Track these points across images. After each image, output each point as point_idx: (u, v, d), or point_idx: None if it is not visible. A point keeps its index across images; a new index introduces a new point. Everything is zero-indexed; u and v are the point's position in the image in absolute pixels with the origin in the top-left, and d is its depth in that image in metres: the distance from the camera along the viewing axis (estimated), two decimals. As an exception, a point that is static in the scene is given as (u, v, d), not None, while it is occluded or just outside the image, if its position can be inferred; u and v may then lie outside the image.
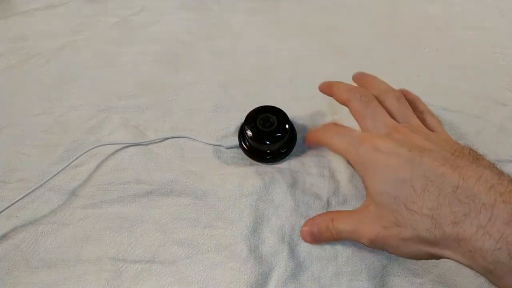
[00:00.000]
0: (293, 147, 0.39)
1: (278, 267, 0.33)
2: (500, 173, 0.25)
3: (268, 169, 0.39)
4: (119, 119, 0.42)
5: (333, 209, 0.36)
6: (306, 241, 0.34)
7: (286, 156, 0.39)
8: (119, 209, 0.37)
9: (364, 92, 0.34)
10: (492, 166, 0.26)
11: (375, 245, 0.29)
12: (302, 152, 0.40)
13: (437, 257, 0.27)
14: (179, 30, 0.51)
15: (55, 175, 0.37)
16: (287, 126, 0.38)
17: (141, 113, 0.43)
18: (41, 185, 0.36)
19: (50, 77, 0.46)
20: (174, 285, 0.33)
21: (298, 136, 0.40)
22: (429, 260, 0.33)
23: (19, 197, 0.35)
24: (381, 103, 0.33)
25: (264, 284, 0.32)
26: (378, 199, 0.28)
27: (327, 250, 0.34)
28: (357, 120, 0.34)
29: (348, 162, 0.34)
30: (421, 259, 0.28)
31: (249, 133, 0.37)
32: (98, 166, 0.39)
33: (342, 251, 0.34)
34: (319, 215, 0.35)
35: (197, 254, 0.34)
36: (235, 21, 0.52)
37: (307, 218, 0.35)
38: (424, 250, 0.27)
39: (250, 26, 0.52)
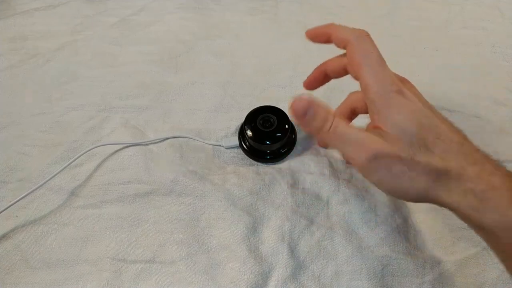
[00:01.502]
0: (293, 147, 0.39)
1: (278, 267, 0.33)
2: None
3: (268, 169, 0.39)
4: (119, 119, 0.42)
5: (333, 210, 0.36)
6: (292, 112, 0.28)
7: (286, 156, 0.39)
8: (119, 209, 0.37)
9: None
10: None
11: (372, 165, 0.28)
12: (302, 152, 0.40)
13: (432, 199, 0.28)
14: (179, 30, 0.51)
15: (55, 175, 0.37)
16: (287, 126, 0.38)
17: (141, 113, 0.43)
18: (41, 185, 0.36)
19: (50, 77, 0.46)
20: (174, 285, 0.33)
21: (298, 136, 0.40)
22: (428, 260, 0.33)
23: (19, 197, 0.35)
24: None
25: (264, 284, 0.32)
26: (395, 129, 0.27)
27: (327, 249, 0.34)
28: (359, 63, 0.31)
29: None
30: (412, 197, 0.29)
31: (249, 133, 0.37)
32: (98, 166, 0.39)
33: (342, 251, 0.34)
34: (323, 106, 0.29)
35: (197, 254, 0.34)
36: (235, 21, 0.52)
37: (307, 219, 0.35)
38: (423, 183, 0.27)
39: (250, 26, 0.52)
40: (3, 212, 0.35)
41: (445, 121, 0.29)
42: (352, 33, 0.31)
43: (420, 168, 0.27)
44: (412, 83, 0.31)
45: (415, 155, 0.27)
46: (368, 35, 0.32)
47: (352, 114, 0.35)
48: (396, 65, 0.47)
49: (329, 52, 0.49)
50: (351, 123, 0.32)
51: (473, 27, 0.51)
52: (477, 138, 0.41)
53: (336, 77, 0.34)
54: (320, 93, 0.44)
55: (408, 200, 0.30)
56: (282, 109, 0.39)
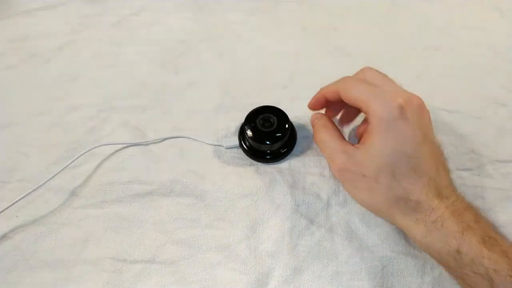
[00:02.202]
0: (293, 147, 0.39)
1: (278, 267, 0.33)
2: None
3: (268, 169, 0.39)
4: (119, 119, 0.42)
5: (333, 210, 0.36)
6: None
7: (286, 156, 0.39)
8: (119, 209, 0.37)
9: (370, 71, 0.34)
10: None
11: (340, 176, 0.32)
12: (302, 152, 0.40)
13: (389, 218, 0.31)
14: (179, 30, 0.51)
15: (55, 175, 0.37)
16: (287, 126, 0.38)
17: (141, 113, 0.43)
18: (41, 185, 0.36)
19: (50, 77, 0.46)
20: (174, 285, 0.33)
21: (298, 136, 0.40)
22: (428, 261, 0.33)
23: (19, 197, 0.35)
24: None
25: (264, 284, 0.33)
26: (372, 149, 0.30)
27: (327, 249, 0.34)
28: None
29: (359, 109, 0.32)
30: (374, 211, 0.32)
31: (249, 133, 0.37)
32: (98, 166, 0.39)
33: (342, 251, 0.34)
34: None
35: (197, 254, 0.34)
36: (235, 21, 0.52)
37: (307, 220, 0.35)
38: (382, 203, 0.30)
39: (250, 26, 0.52)
40: (3, 212, 0.35)
41: (433, 153, 0.30)
42: (338, 84, 0.33)
43: (381, 190, 0.29)
44: (422, 102, 0.31)
45: (379, 177, 0.29)
46: (349, 77, 0.34)
47: (327, 102, 0.36)
48: (396, 65, 0.47)
49: (329, 53, 0.49)
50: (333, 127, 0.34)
51: (473, 27, 0.51)
52: (477, 138, 0.41)
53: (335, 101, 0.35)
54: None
55: (372, 212, 0.33)
56: (282, 109, 0.39)
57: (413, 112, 0.29)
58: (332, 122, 0.35)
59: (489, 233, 0.28)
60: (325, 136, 0.33)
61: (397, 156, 0.29)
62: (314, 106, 0.36)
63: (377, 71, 0.33)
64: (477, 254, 0.26)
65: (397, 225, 0.31)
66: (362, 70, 0.34)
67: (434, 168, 0.30)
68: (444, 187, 0.30)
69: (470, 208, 0.30)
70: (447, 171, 0.31)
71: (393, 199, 0.29)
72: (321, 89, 0.35)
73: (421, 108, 0.30)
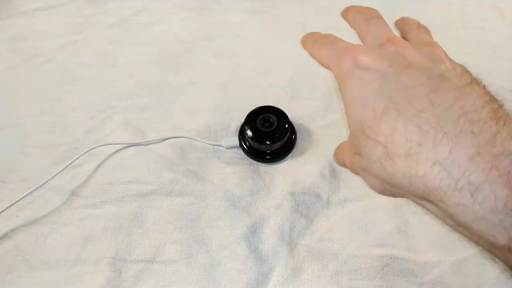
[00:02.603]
0: (293, 147, 0.39)
1: (278, 267, 0.33)
2: (492, 100, 0.21)
3: (268, 169, 0.39)
4: (119, 119, 0.42)
5: (333, 210, 0.36)
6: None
7: (286, 156, 0.39)
8: (119, 209, 0.37)
9: (369, 11, 0.28)
10: (486, 93, 0.21)
11: (355, 173, 0.26)
12: (302, 152, 0.40)
13: (396, 195, 0.23)
14: (179, 30, 0.51)
15: (55, 175, 0.37)
16: (287, 126, 0.38)
17: (141, 113, 0.43)
18: (41, 185, 0.36)
19: (50, 77, 0.46)
20: (174, 285, 0.33)
21: (298, 136, 0.40)
22: (428, 260, 0.33)
23: (20, 197, 0.35)
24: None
25: (264, 284, 0.33)
26: (348, 122, 0.24)
27: (327, 249, 0.34)
28: (361, 41, 0.28)
29: None
30: (385, 194, 0.24)
31: (249, 133, 0.37)
32: (99, 166, 0.39)
33: (342, 251, 0.34)
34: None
35: (197, 254, 0.34)
36: (235, 21, 0.52)
37: (307, 219, 0.35)
38: (380, 185, 0.23)
39: (250, 26, 0.52)
40: (3, 212, 0.35)
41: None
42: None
43: (367, 172, 0.24)
44: (406, 41, 0.25)
45: (360, 159, 0.24)
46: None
47: None
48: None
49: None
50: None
51: (473, 27, 0.51)
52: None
53: None
54: (319, 93, 0.45)
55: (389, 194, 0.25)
56: (282, 109, 0.39)
57: (362, 60, 0.24)
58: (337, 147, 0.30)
59: None
60: (340, 160, 0.28)
61: (366, 107, 0.22)
62: None
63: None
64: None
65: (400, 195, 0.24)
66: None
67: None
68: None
69: None
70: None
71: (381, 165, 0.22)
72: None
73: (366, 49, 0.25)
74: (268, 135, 0.37)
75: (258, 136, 0.37)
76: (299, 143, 0.40)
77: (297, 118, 0.42)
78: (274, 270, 0.33)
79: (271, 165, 0.39)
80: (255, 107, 0.39)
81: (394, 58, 0.23)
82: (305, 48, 0.29)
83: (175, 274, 0.33)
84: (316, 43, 0.28)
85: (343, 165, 0.28)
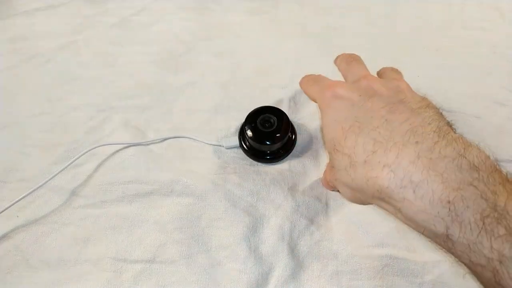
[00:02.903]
0: (293, 148, 0.39)
1: (278, 267, 0.33)
2: (440, 119, 0.25)
3: (268, 169, 0.39)
4: (119, 119, 0.42)
5: (333, 210, 0.36)
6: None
7: (286, 156, 0.39)
8: (119, 209, 0.37)
9: (350, 56, 0.35)
10: (436, 114, 0.26)
11: (333, 187, 0.31)
12: (302, 152, 0.40)
13: (363, 201, 0.27)
14: (179, 30, 0.51)
15: (55, 175, 0.37)
16: (287, 126, 0.38)
17: (141, 113, 0.43)
18: (42, 185, 0.36)
19: (50, 77, 0.46)
20: (174, 285, 0.33)
21: (298, 136, 0.40)
22: (428, 260, 0.33)
23: (20, 197, 0.35)
24: None
25: (264, 284, 0.33)
26: (325, 141, 0.29)
27: (327, 249, 0.34)
28: (344, 80, 0.34)
29: None
30: (355, 202, 0.28)
31: (249, 133, 0.37)
32: (99, 166, 0.39)
33: (342, 251, 0.34)
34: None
35: (197, 254, 0.34)
36: (235, 21, 0.52)
37: (307, 220, 0.35)
38: (350, 193, 0.27)
39: (250, 26, 0.52)
40: (3, 212, 0.35)
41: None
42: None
43: (340, 183, 0.28)
44: (377, 78, 0.30)
45: (334, 171, 0.29)
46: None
47: None
48: (396, 65, 0.47)
49: (329, 53, 0.49)
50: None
51: (473, 27, 0.51)
52: (477, 138, 0.41)
53: None
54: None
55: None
56: (282, 109, 0.39)
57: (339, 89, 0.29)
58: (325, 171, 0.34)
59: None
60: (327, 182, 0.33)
61: (337, 126, 0.27)
62: None
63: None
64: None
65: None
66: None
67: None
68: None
69: None
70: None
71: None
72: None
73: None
74: (268, 135, 0.37)
75: (258, 136, 0.37)
76: (299, 143, 0.40)
77: (297, 118, 0.42)
78: (274, 270, 0.33)
79: (271, 165, 0.39)
80: (255, 107, 0.39)
81: (364, 90, 0.28)
82: (301, 87, 0.35)
83: (175, 274, 0.33)
84: (308, 82, 0.34)
85: (327, 186, 0.33)
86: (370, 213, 0.36)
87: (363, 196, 0.26)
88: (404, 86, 0.29)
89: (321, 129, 0.30)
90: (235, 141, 0.40)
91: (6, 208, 0.35)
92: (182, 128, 0.42)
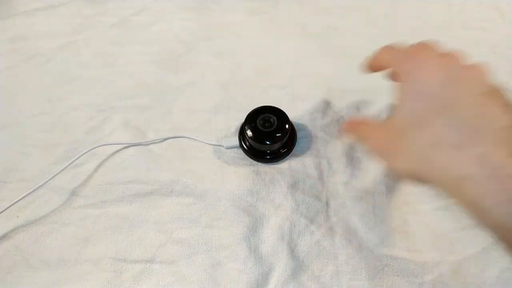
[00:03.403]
0: (293, 147, 0.39)
1: (278, 267, 0.33)
2: None
3: (268, 169, 0.39)
4: (119, 119, 0.42)
5: (333, 210, 0.36)
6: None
7: (286, 156, 0.39)
8: (119, 209, 0.37)
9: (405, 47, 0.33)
10: None
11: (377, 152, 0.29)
12: (302, 152, 0.40)
13: (418, 179, 0.27)
14: (179, 30, 0.51)
15: (56, 175, 0.37)
16: (287, 126, 0.38)
17: (141, 113, 0.43)
18: (42, 185, 0.36)
19: (50, 77, 0.46)
20: (174, 285, 0.33)
21: (298, 136, 0.40)
22: (428, 260, 0.33)
23: (20, 197, 0.35)
24: None
25: (264, 284, 0.33)
26: (399, 110, 0.28)
27: (327, 249, 0.34)
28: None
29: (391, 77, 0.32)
30: (407, 178, 0.28)
31: (249, 133, 0.37)
32: (99, 166, 0.39)
33: (342, 250, 0.34)
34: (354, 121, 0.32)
35: (197, 254, 0.34)
36: (235, 21, 0.52)
37: (307, 219, 0.35)
38: (410, 169, 0.26)
39: (250, 26, 0.52)
40: (3, 212, 0.35)
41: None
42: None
43: (406, 155, 0.27)
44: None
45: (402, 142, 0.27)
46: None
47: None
48: (396, 65, 0.47)
49: (329, 53, 0.49)
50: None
51: (473, 27, 0.51)
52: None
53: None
54: (319, 93, 0.45)
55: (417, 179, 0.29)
56: (282, 109, 0.39)
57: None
58: (361, 121, 0.32)
59: None
60: (364, 135, 0.31)
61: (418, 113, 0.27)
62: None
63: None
64: None
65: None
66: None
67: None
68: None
69: None
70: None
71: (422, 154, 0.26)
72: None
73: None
74: (268, 135, 0.37)
75: (258, 136, 0.37)
76: (299, 143, 0.40)
77: (297, 118, 0.42)
78: (274, 270, 0.33)
79: (271, 165, 0.39)
80: (255, 107, 0.39)
81: (453, 69, 0.27)
82: (377, 57, 0.33)
83: (175, 274, 0.33)
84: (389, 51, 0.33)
85: (357, 136, 0.31)
86: (370, 213, 0.36)
87: (427, 178, 0.26)
88: (489, 73, 0.29)
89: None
90: (235, 141, 0.40)
91: (6, 208, 0.35)
92: (182, 128, 0.42)
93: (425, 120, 0.26)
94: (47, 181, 0.37)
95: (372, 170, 0.39)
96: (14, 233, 0.35)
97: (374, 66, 0.33)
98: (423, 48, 0.30)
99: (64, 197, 0.37)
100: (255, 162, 0.39)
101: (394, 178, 0.32)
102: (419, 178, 0.27)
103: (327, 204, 0.37)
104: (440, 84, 0.26)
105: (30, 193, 0.36)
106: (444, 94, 0.26)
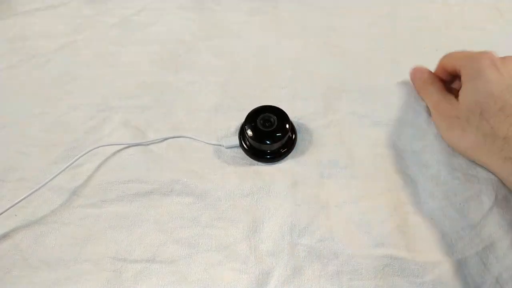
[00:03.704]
0: (293, 147, 0.39)
1: (278, 267, 0.33)
2: None
3: (268, 169, 0.39)
4: (119, 119, 0.42)
5: (333, 210, 0.36)
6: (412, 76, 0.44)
7: (287, 156, 0.39)
8: (119, 208, 0.37)
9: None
10: None
11: (437, 119, 0.39)
12: (302, 152, 0.40)
13: (477, 159, 0.37)
14: (179, 30, 0.51)
15: (57, 175, 0.37)
16: (287, 125, 0.38)
17: (141, 113, 0.43)
18: (43, 185, 0.36)
19: (50, 77, 0.46)
20: (174, 284, 0.33)
21: (298, 136, 0.40)
22: (429, 260, 0.33)
23: (21, 198, 0.35)
24: None
25: (264, 284, 0.32)
26: (462, 96, 0.36)
27: (327, 249, 0.34)
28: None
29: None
30: (462, 151, 0.38)
31: (250, 132, 0.37)
32: (99, 166, 0.39)
33: (343, 251, 0.34)
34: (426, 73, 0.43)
35: (197, 254, 0.34)
36: (235, 21, 0.52)
37: (308, 219, 0.35)
38: (470, 139, 0.35)
39: (250, 26, 0.52)
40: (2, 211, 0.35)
41: None
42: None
43: (471, 129, 0.34)
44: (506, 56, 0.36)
45: (469, 117, 0.34)
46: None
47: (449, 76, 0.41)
48: (396, 65, 0.47)
49: (329, 52, 0.49)
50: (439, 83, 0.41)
51: (473, 27, 0.51)
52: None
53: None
54: (319, 93, 0.45)
55: (462, 153, 0.38)
56: (283, 109, 0.39)
57: (499, 62, 0.34)
58: (435, 76, 0.42)
59: None
60: (432, 88, 0.40)
61: (485, 97, 0.33)
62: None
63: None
64: None
65: (485, 165, 0.36)
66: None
67: None
68: None
69: None
70: None
71: (482, 138, 0.34)
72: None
73: (506, 59, 0.35)
74: (268, 134, 0.37)
75: (259, 135, 0.37)
76: (299, 143, 0.40)
77: (297, 118, 0.42)
78: (275, 270, 0.33)
79: (271, 165, 0.39)
80: (255, 106, 0.39)
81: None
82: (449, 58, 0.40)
83: (175, 274, 0.33)
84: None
85: (417, 80, 0.44)
86: (370, 213, 0.36)
87: (481, 151, 0.35)
88: None
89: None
90: (235, 140, 0.40)
91: (7, 209, 0.35)
92: (182, 128, 0.42)
93: (487, 114, 0.33)
94: (48, 181, 0.36)
95: (373, 170, 0.39)
96: (13, 232, 0.35)
97: (447, 65, 0.40)
98: (485, 53, 0.36)
99: (64, 196, 0.37)
100: (255, 162, 0.39)
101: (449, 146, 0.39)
102: (470, 156, 0.37)
103: (327, 204, 0.37)
104: (500, 88, 0.33)
105: (32, 193, 0.36)
106: (503, 97, 0.33)
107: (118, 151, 0.40)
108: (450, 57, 0.39)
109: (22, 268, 0.33)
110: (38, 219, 0.36)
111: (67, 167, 0.37)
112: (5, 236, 0.35)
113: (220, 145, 0.40)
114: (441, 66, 0.41)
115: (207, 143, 0.40)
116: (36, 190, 0.36)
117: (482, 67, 0.34)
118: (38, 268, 0.34)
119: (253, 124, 0.38)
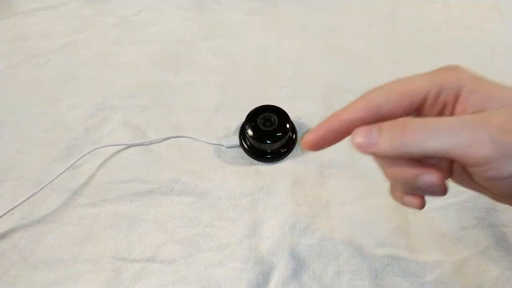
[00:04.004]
0: (293, 147, 0.39)
1: (278, 266, 0.33)
2: None
3: (268, 168, 0.39)
4: (119, 119, 0.42)
5: (333, 209, 0.36)
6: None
7: (287, 155, 0.39)
8: (119, 208, 0.36)
9: None
10: None
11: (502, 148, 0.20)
12: (303, 152, 0.40)
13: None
14: (179, 30, 0.51)
15: (59, 176, 0.36)
16: (287, 125, 0.38)
17: (141, 112, 0.43)
18: (45, 186, 0.36)
19: (50, 77, 0.46)
20: (174, 284, 0.33)
21: (299, 135, 0.40)
22: (429, 260, 0.33)
23: (23, 199, 0.35)
24: None
25: (265, 283, 0.32)
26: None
27: (328, 249, 0.34)
28: None
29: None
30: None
31: (250, 132, 0.37)
32: (99, 166, 0.39)
33: (343, 250, 0.34)
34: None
35: (198, 253, 0.34)
36: (235, 21, 0.52)
37: (308, 219, 0.35)
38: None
39: (250, 26, 0.52)
40: (1, 210, 0.35)
41: None
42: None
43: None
44: None
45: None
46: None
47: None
48: (396, 65, 0.47)
49: (329, 52, 0.49)
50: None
51: (473, 27, 0.51)
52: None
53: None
54: (319, 93, 0.45)
55: None
56: (283, 108, 0.39)
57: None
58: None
59: None
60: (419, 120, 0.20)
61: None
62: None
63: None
64: None
65: None
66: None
67: None
68: None
69: None
70: None
71: None
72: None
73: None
74: (268, 134, 0.37)
75: (259, 135, 0.37)
76: (299, 142, 0.40)
77: (298, 117, 0.42)
78: (275, 270, 0.33)
79: (271, 165, 0.39)
80: (255, 106, 0.39)
81: None
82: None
83: (175, 274, 0.33)
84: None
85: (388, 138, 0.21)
86: (371, 213, 0.36)
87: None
88: None
89: None
90: (236, 140, 0.40)
91: (8, 211, 0.35)
92: (182, 128, 0.42)
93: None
94: (49, 182, 0.36)
95: (373, 170, 0.38)
96: (12, 231, 0.35)
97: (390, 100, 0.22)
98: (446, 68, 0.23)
99: (64, 196, 0.37)
100: (255, 162, 0.39)
101: None
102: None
103: (327, 203, 0.37)
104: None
105: (34, 194, 0.35)
106: None
107: (118, 150, 0.40)
108: (387, 90, 0.23)
109: (21, 268, 0.33)
110: (37, 218, 0.36)
111: (69, 167, 0.37)
112: (3, 235, 0.35)
113: (220, 145, 0.40)
114: (375, 108, 0.22)
115: (207, 142, 0.40)
116: (38, 191, 0.36)
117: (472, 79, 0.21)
118: (37, 268, 0.33)
119: (253, 124, 0.38)
